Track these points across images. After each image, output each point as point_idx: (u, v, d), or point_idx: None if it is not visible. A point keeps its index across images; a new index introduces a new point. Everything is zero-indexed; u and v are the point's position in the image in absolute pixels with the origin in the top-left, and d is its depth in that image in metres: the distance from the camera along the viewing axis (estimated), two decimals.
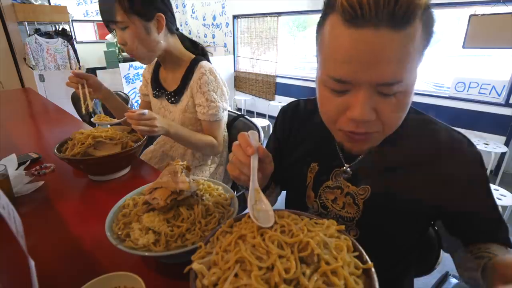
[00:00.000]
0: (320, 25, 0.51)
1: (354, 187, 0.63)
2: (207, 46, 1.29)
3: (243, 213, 0.55)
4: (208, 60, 1.19)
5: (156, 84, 1.22)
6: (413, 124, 0.60)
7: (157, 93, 1.21)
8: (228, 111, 1.36)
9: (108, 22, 1.00)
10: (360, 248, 0.43)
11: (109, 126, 1.10)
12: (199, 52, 1.19)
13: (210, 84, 1.08)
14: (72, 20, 4.18)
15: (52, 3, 4.21)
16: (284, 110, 0.80)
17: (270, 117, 4.81)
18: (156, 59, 1.19)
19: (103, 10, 0.99)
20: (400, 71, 0.44)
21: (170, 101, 1.17)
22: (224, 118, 1.16)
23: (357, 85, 0.47)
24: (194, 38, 1.23)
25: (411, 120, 0.59)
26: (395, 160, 0.60)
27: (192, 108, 1.13)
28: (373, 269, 0.39)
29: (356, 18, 0.42)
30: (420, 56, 0.46)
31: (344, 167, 0.65)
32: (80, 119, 1.77)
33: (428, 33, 0.46)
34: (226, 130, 1.28)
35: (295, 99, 0.80)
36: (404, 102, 0.49)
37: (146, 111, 0.92)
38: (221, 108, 1.10)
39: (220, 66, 5.18)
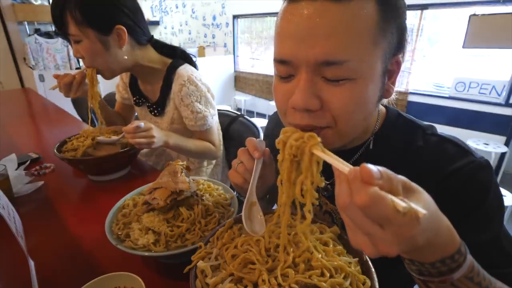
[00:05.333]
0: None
1: (332, 206, 0.59)
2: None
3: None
4: (192, 63, 1.11)
5: (135, 91, 1.16)
6: (398, 135, 0.54)
7: (138, 101, 1.16)
8: (228, 111, 1.35)
9: (61, 33, 0.89)
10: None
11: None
12: (178, 55, 1.09)
13: (192, 95, 1.02)
14: None
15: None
16: (269, 120, 0.79)
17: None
18: None
19: (54, 19, 0.87)
20: (340, 49, 0.39)
21: (153, 113, 1.12)
22: (215, 122, 1.12)
23: (298, 67, 0.43)
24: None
25: (396, 133, 0.54)
26: None
27: (179, 119, 1.09)
28: (373, 270, 0.39)
29: None
30: (377, 41, 0.41)
31: (324, 184, 0.57)
32: (80, 119, 1.77)
33: (388, 16, 0.41)
34: (220, 129, 1.26)
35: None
36: (355, 94, 0.42)
37: (142, 123, 0.86)
38: (208, 116, 1.06)
39: (220, 66, 5.17)
